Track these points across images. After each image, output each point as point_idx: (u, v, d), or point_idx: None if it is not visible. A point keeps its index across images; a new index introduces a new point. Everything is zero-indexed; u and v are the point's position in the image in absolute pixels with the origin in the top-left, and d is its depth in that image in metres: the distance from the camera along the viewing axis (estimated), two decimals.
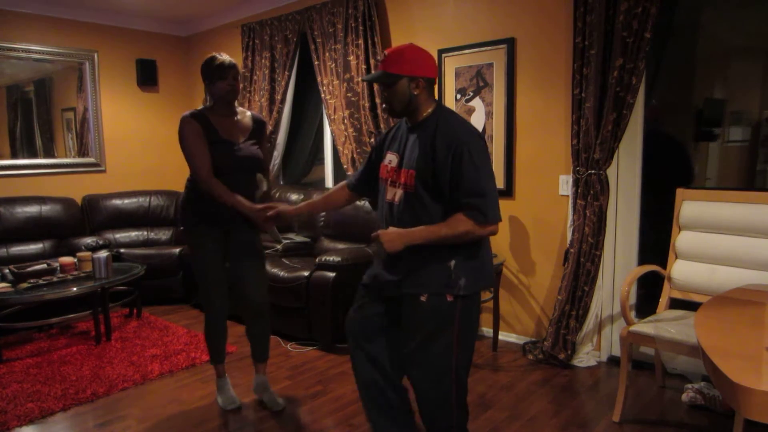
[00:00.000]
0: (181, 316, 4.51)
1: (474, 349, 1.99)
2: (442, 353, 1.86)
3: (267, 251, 4.00)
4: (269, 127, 4.84)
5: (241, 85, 3.19)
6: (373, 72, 4.00)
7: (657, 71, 3.25)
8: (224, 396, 2.87)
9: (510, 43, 3.49)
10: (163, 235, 5.31)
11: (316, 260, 3.67)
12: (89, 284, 3.76)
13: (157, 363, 3.43)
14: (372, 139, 4.12)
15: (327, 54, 4.36)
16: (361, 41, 4.07)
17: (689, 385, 2.80)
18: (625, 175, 3.22)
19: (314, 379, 3.19)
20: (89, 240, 4.71)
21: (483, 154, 1.80)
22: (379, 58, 4.00)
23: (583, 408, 2.79)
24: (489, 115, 3.66)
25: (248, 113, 2.77)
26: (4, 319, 3.79)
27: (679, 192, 2.86)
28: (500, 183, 3.60)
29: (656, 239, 3.21)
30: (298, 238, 4.45)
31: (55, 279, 3.77)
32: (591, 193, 3.14)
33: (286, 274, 3.74)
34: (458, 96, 3.80)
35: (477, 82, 3.69)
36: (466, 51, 3.71)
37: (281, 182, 5.25)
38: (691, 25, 3.26)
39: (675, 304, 2.84)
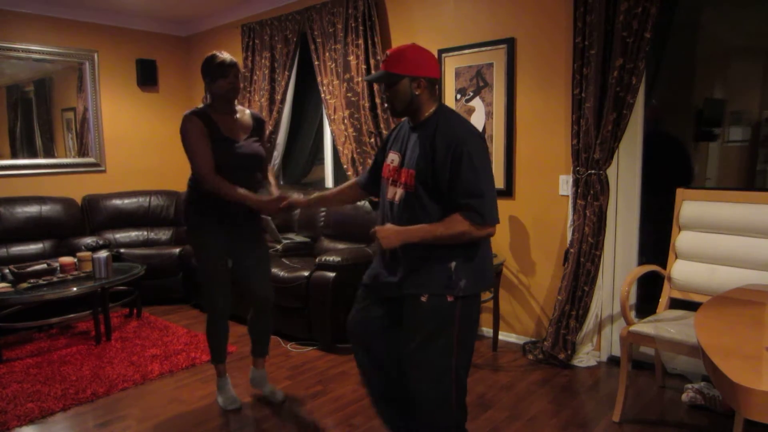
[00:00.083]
0: (181, 316, 4.51)
1: (474, 349, 2.00)
2: (442, 353, 1.87)
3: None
4: (269, 127, 4.84)
5: (241, 85, 3.19)
6: (373, 72, 4.00)
7: (657, 71, 3.25)
8: (225, 396, 2.87)
9: (510, 43, 3.49)
10: (163, 235, 5.31)
11: (316, 260, 3.67)
12: (89, 284, 3.76)
13: (157, 363, 3.43)
14: (372, 139, 4.12)
15: (327, 54, 4.36)
16: (361, 41, 4.07)
17: (689, 385, 2.80)
18: (625, 175, 3.22)
19: (314, 379, 3.19)
20: (89, 240, 4.71)
21: (482, 155, 1.80)
22: (379, 58, 4.00)
23: (583, 408, 2.79)
24: (489, 115, 3.66)
25: (247, 111, 2.78)
26: (4, 319, 3.79)
27: (679, 192, 2.86)
28: (500, 183, 3.60)
29: (656, 239, 3.21)
30: (298, 238, 4.45)
31: (55, 279, 3.77)
32: (591, 193, 3.14)
33: (286, 274, 3.74)
34: (458, 96, 3.80)
35: (477, 82, 3.69)
36: (466, 51, 3.71)
37: (281, 182, 5.25)
38: (691, 25, 3.26)
39: (675, 304, 2.84)
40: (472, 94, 3.73)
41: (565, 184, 3.35)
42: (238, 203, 2.59)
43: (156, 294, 4.76)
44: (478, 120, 3.70)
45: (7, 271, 3.97)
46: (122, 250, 4.75)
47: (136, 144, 5.68)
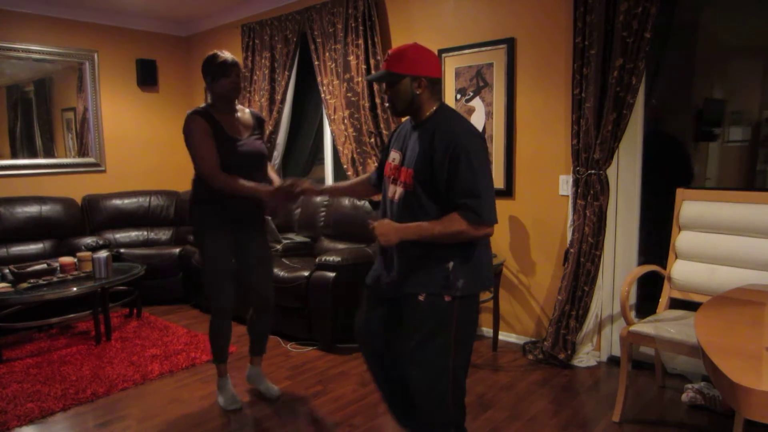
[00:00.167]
0: (181, 316, 4.51)
1: (472, 350, 2.00)
2: (440, 353, 1.87)
3: None
4: (269, 127, 4.85)
5: (242, 84, 3.19)
6: (373, 72, 4.00)
7: (657, 71, 3.25)
8: (226, 396, 2.87)
9: (510, 43, 3.49)
10: (163, 235, 5.31)
11: (316, 260, 3.67)
12: (89, 284, 3.76)
13: (157, 363, 3.43)
14: (372, 139, 4.13)
15: (327, 54, 4.36)
16: (361, 41, 4.07)
17: (689, 385, 2.80)
18: (625, 175, 3.22)
19: (314, 379, 3.19)
20: (89, 240, 4.71)
21: (481, 156, 1.81)
22: (379, 58, 4.00)
23: (583, 408, 2.79)
24: (489, 115, 3.66)
25: (247, 110, 2.79)
26: (4, 319, 3.79)
27: (679, 192, 2.86)
28: (500, 183, 3.60)
29: (656, 239, 3.21)
30: (298, 238, 4.45)
31: (55, 279, 3.77)
32: (591, 193, 3.14)
33: (286, 274, 3.74)
34: (458, 96, 3.80)
35: (477, 82, 3.69)
36: (466, 51, 3.71)
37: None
38: (691, 25, 3.26)
39: (675, 304, 2.84)
40: (472, 94, 3.73)
41: (565, 184, 3.35)
42: (243, 202, 2.60)
43: (156, 294, 4.76)
44: (478, 120, 3.70)
45: (7, 271, 3.97)
46: (122, 250, 4.75)
47: (136, 144, 5.68)
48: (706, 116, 3.28)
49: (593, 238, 3.15)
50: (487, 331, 3.80)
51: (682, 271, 2.78)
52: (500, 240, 3.67)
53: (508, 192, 3.61)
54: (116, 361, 3.48)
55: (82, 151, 5.35)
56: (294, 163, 5.26)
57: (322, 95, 4.47)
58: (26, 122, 5.04)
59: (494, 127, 3.64)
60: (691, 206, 2.80)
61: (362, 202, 4.18)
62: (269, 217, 2.86)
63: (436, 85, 1.91)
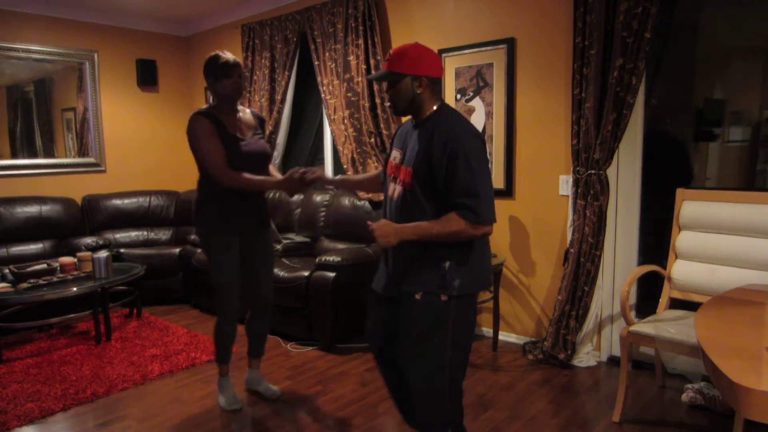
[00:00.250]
0: (181, 316, 4.51)
1: (470, 350, 2.00)
2: (436, 352, 1.88)
3: None
4: (269, 127, 4.85)
5: (244, 85, 3.18)
6: (373, 72, 4.01)
7: (657, 71, 3.25)
8: (227, 396, 2.86)
9: (510, 43, 3.49)
10: (163, 235, 5.31)
11: (316, 260, 3.67)
12: (89, 284, 3.76)
13: (157, 363, 3.43)
14: (372, 139, 4.13)
15: (327, 54, 4.36)
16: (361, 41, 4.07)
17: (689, 385, 2.80)
18: (625, 175, 3.22)
19: (314, 379, 3.19)
20: (89, 240, 4.71)
21: (479, 155, 1.81)
22: (379, 58, 4.01)
23: (583, 408, 2.79)
24: (489, 115, 3.66)
25: (247, 110, 2.80)
26: (4, 319, 3.79)
27: (679, 192, 2.86)
28: (500, 183, 3.60)
29: (656, 239, 3.21)
30: (298, 238, 4.45)
31: (55, 279, 3.77)
32: (591, 193, 3.14)
33: (286, 274, 3.74)
34: (458, 96, 3.80)
35: (477, 82, 3.69)
36: (466, 51, 3.71)
37: None
38: (691, 25, 3.26)
39: (675, 304, 2.84)
40: (472, 94, 3.73)
41: (565, 184, 3.35)
42: (249, 202, 2.63)
43: (156, 294, 4.76)
44: (478, 120, 3.70)
45: (7, 271, 3.97)
46: (122, 250, 4.75)
47: (136, 144, 5.68)
48: (706, 116, 3.28)
49: (593, 238, 3.15)
50: (487, 331, 3.80)
51: (682, 271, 2.78)
52: (500, 240, 3.67)
53: (508, 192, 3.61)
54: (116, 361, 3.48)
55: (82, 151, 5.35)
56: (294, 162, 5.26)
57: (322, 95, 4.47)
58: (26, 122, 5.04)
59: (494, 127, 3.64)
60: (691, 206, 2.80)
61: (362, 202, 4.18)
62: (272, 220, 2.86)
63: (436, 84, 1.92)
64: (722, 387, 1.35)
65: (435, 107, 1.91)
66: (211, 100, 2.68)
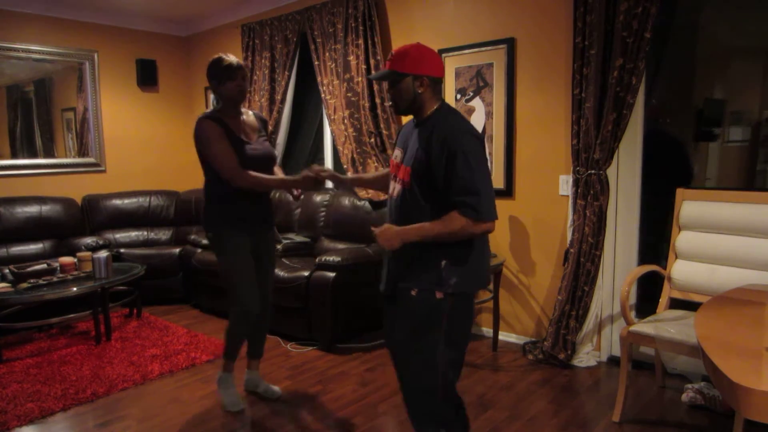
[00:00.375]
0: (181, 316, 4.51)
1: (465, 349, 2.00)
2: (429, 348, 1.88)
3: None
4: (269, 127, 4.85)
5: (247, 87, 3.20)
6: (374, 72, 4.01)
7: (657, 71, 3.25)
8: (229, 397, 2.84)
9: (510, 43, 3.49)
10: (163, 235, 5.31)
11: (316, 260, 3.67)
12: (89, 284, 3.76)
13: (157, 363, 3.43)
14: (372, 139, 4.13)
15: (327, 54, 4.36)
16: (361, 41, 4.07)
17: (689, 385, 2.80)
18: (625, 175, 3.22)
19: (314, 379, 3.19)
20: (89, 240, 4.71)
21: (478, 154, 1.81)
22: (379, 58, 4.01)
23: (583, 408, 2.79)
24: (489, 115, 3.66)
25: (250, 112, 2.81)
26: (4, 319, 3.79)
27: (679, 192, 2.86)
28: (500, 183, 3.60)
29: (656, 239, 3.21)
30: (298, 238, 4.45)
31: (55, 279, 3.77)
32: (591, 193, 3.14)
33: (286, 274, 3.74)
34: (458, 96, 3.80)
35: (477, 82, 3.69)
36: (466, 51, 3.71)
37: None
38: (691, 25, 3.26)
39: (675, 304, 2.84)
40: (472, 94, 3.73)
41: (565, 184, 3.35)
42: (256, 202, 2.64)
43: (156, 294, 4.76)
44: (478, 120, 3.70)
45: (7, 271, 3.97)
46: (122, 250, 4.75)
47: (136, 144, 5.68)
48: (706, 116, 3.28)
49: (593, 238, 3.15)
50: (487, 331, 3.80)
51: (682, 271, 2.78)
52: (500, 240, 3.67)
53: (508, 192, 3.61)
54: (116, 361, 3.48)
55: (82, 151, 5.35)
56: (294, 162, 5.26)
57: (322, 95, 4.47)
58: (26, 122, 5.04)
59: (494, 127, 3.64)
60: (691, 206, 2.80)
61: (362, 202, 4.19)
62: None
63: (438, 84, 1.93)
64: (722, 387, 1.35)
65: (435, 107, 1.92)
66: (212, 102, 2.68)
